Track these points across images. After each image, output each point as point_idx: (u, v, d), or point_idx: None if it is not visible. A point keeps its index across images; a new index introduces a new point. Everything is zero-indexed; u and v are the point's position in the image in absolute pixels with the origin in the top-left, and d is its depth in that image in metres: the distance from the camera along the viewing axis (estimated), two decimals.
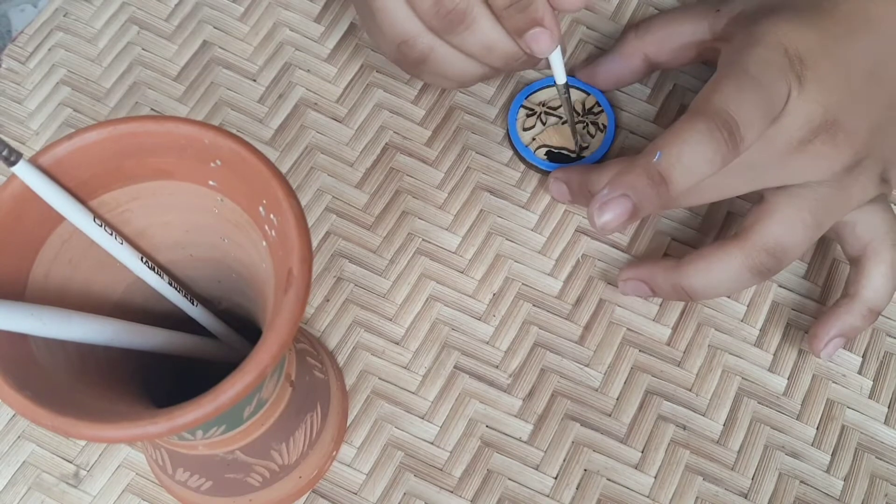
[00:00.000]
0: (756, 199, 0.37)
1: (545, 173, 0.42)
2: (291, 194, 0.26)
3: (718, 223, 0.42)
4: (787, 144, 0.34)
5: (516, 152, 0.43)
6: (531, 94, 0.43)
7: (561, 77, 0.39)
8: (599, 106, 0.43)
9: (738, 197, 0.42)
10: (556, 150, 0.42)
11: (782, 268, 0.36)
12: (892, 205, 0.38)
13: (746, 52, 0.34)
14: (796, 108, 0.34)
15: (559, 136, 0.42)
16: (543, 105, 0.43)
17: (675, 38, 0.41)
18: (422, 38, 0.34)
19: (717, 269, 0.36)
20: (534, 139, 0.42)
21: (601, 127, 0.43)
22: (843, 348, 0.40)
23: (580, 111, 0.43)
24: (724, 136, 0.32)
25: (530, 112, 0.43)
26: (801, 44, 0.34)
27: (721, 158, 0.32)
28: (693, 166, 0.32)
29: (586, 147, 0.42)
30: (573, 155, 0.42)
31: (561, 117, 0.43)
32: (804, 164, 0.35)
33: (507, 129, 0.43)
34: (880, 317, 0.41)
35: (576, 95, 0.43)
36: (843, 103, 0.34)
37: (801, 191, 0.35)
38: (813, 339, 0.38)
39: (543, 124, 0.42)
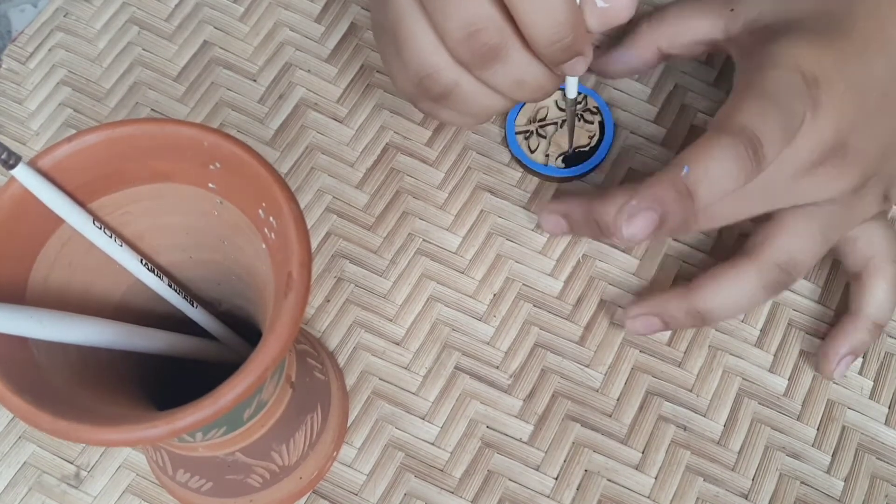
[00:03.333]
0: (762, 219, 0.37)
1: (579, 177, 0.43)
2: (291, 197, 0.26)
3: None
4: (799, 167, 0.34)
5: (542, 176, 0.42)
6: (514, 121, 0.43)
7: (573, 92, 0.38)
8: (595, 103, 0.43)
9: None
10: (571, 153, 0.42)
11: (793, 283, 0.37)
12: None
13: (765, 73, 0.34)
14: (810, 130, 0.34)
15: (566, 139, 0.42)
16: (533, 122, 0.43)
17: (689, 33, 0.40)
18: (447, 72, 0.33)
19: (731, 288, 0.36)
20: (547, 154, 0.42)
21: (599, 126, 0.43)
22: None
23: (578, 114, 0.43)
24: (748, 154, 0.32)
25: (527, 134, 0.43)
26: (818, 66, 0.34)
27: (745, 175, 0.32)
28: (718, 182, 0.32)
29: (584, 147, 0.42)
30: (587, 149, 0.42)
31: (555, 122, 0.43)
32: (814, 185, 0.35)
33: (521, 164, 0.42)
34: None
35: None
36: (856, 125, 0.34)
37: (810, 208, 0.36)
38: (824, 361, 0.39)
39: (545, 137, 0.42)
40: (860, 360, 0.40)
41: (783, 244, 0.36)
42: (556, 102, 0.43)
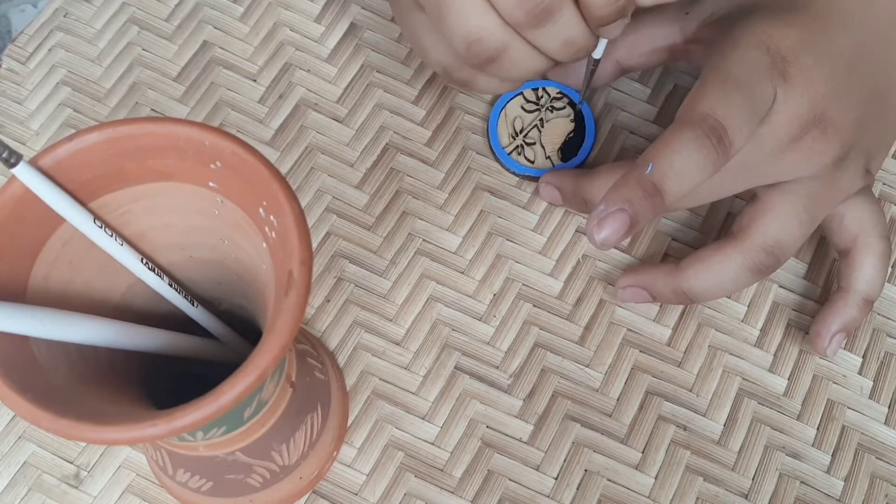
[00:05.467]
0: (748, 196, 0.37)
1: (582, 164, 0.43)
2: (291, 195, 0.26)
3: (719, 223, 0.42)
4: (778, 142, 0.34)
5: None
6: (496, 139, 0.43)
7: (600, 52, 0.37)
8: (556, 91, 0.43)
9: (733, 196, 0.42)
10: (565, 145, 0.42)
11: (780, 265, 0.37)
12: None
13: (728, 55, 0.34)
14: (784, 105, 0.34)
15: (553, 134, 0.42)
16: (517, 136, 0.43)
17: (646, 42, 0.40)
18: (497, 35, 0.32)
19: (717, 270, 0.37)
20: (547, 157, 0.42)
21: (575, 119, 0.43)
22: (843, 348, 0.40)
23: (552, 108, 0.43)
24: (713, 143, 0.32)
25: (519, 148, 0.43)
26: (782, 41, 0.34)
27: (713, 165, 0.32)
28: (685, 175, 0.32)
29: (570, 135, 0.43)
30: (573, 135, 0.43)
31: (534, 125, 0.43)
32: (796, 160, 0.35)
33: (532, 178, 0.42)
34: (880, 317, 0.41)
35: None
36: (829, 97, 0.34)
37: (794, 186, 0.36)
38: (816, 339, 0.39)
39: (535, 142, 0.42)
40: (860, 359, 0.40)
41: (768, 228, 0.36)
42: (522, 107, 0.43)
